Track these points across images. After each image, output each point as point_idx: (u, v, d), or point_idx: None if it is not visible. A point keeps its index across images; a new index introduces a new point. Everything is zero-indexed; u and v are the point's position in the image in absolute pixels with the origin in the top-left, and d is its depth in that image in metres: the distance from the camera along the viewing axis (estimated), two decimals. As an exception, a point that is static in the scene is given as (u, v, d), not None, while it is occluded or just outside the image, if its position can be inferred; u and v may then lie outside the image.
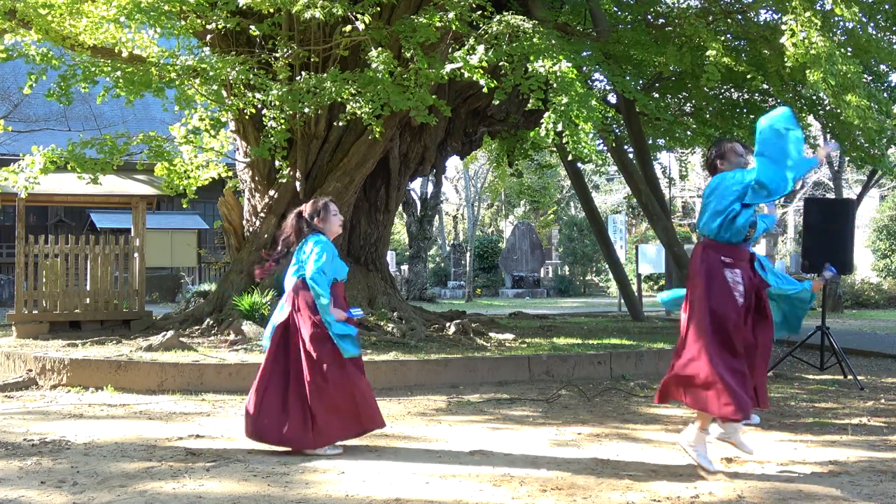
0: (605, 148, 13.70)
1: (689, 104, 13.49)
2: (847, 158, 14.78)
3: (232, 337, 8.76)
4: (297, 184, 9.86)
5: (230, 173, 11.95)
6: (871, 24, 9.69)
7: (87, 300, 10.35)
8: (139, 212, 11.12)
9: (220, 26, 8.56)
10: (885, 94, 10.40)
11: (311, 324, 4.90)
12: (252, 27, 8.62)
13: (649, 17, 11.03)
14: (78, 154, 9.63)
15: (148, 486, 4.15)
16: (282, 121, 8.59)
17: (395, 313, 9.99)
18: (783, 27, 7.85)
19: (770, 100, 12.18)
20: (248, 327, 8.82)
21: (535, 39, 7.82)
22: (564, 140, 7.57)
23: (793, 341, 9.41)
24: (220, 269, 18.94)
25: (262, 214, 10.17)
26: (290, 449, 4.90)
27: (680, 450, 4.65)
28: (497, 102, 8.62)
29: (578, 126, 7.36)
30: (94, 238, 10.51)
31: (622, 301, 15.59)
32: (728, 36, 10.63)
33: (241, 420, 5.29)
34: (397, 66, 7.92)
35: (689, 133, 13.89)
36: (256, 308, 9.09)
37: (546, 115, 7.63)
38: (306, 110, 8.27)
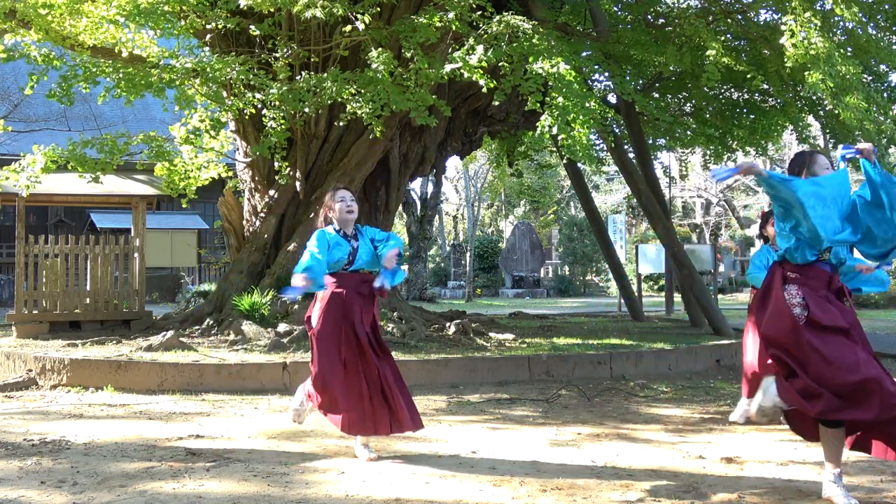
0: (605, 148, 13.71)
1: (689, 104, 13.49)
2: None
3: (232, 337, 8.76)
4: (297, 184, 9.87)
5: (230, 173, 11.95)
6: (871, 25, 9.69)
7: (87, 300, 10.35)
8: (139, 212, 11.12)
9: (219, 26, 8.56)
10: (885, 95, 10.40)
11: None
12: (252, 27, 8.62)
13: (649, 17, 11.03)
14: (79, 154, 9.64)
15: (148, 486, 4.15)
16: (282, 121, 8.60)
17: (395, 313, 9.99)
18: (783, 27, 7.85)
19: (770, 100, 12.18)
20: (248, 327, 8.82)
21: (534, 40, 7.82)
22: (560, 143, 7.57)
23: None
24: (220, 269, 18.96)
25: (262, 214, 10.17)
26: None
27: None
28: (497, 103, 8.62)
29: (574, 128, 7.36)
30: (94, 238, 10.52)
31: (622, 301, 15.59)
32: (728, 36, 10.63)
33: (243, 420, 5.30)
34: (397, 66, 7.92)
35: (689, 133, 13.89)
36: (256, 308, 9.09)
37: (543, 116, 7.64)
38: (306, 110, 8.27)
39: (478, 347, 8.88)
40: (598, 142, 13.67)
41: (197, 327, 9.40)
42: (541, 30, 8.03)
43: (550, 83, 7.65)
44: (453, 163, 30.80)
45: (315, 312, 4.88)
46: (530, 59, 7.74)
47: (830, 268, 4.08)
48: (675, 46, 9.67)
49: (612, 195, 35.08)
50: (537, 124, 7.73)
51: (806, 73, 7.55)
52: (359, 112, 7.91)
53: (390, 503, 3.91)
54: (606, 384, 7.80)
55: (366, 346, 4.74)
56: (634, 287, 16.41)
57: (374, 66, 7.71)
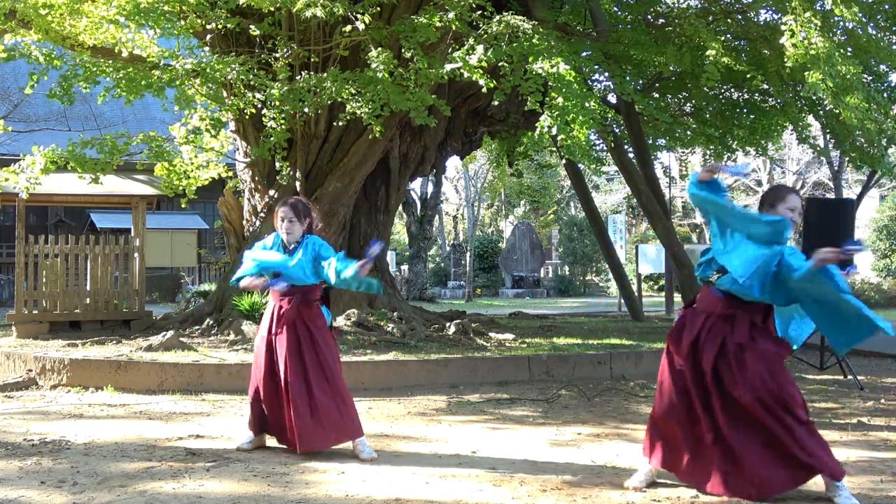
0: (605, 148, 13.71)
1: (689, 104, 13.50)
2: (847, 158, 14.78)
3: (232, 337, 8.76)
4: (297, 184, 9.86)
5: (230, 173, 11.95)
6: (871, 25, 9.70)
7: (87, 300, 10.35)
8: (139, 212, 11.12)
9: (220, 26, 8.56)
10: (885, 95, 10.41)
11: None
12: (252, 27, 8.62)
13: (649, 17, 11.04)
14: (78, 154, 9.64)
15: (148, 486, 4.15)
16: (282, 121, 8.60)
17: (395, 313, 9.99)
18: (783, 27, 7.86)
19: (770, 100, 12.19)
20: (248, 327, 8.82)
21: (534, 40, 7.82)
22: (559, 143, 7.58)
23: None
24: (220, 269, 18.95)
25: (262, 214, 10.16)
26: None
27: None
28: (497, 103, 8.63)
29: (574, 128, 7.36)
30: (94, 238, 10.51)
31: (622, 301, 15.59)
32: (728, 36, 10.64)
33: (243, 420, 5.30)
34: (397, 66, 7.92)
35: (689, 133, 13.90)
36: (256, 308, 9.09)
37: (542, 116, 7.64)
38: (306, 110, 8.27)
39: (478, 347, 8.88)
40: (598, 142, 13.68)
41: (197, 327, 9.40)
42: (541, 30, 8.03)
43: (550, 83, 7.65)
44: (453, 163, 30.82)
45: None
46: (530, 59, 7.74)
47: (722, 294, 4.07)
48: (675, 46, 9.67)
49: (612, 195, 35.06)
50: (537, 124, 7.73)
51: (806, 73, 7.55)
52: (358, 112, 7.91)
53: (390, 503, 3.91)
54: (606, 384, 7.80)
55: (277, 359, 4.88)
56: (634, 287, 16.42)
57: (373, 66, 7.71)
